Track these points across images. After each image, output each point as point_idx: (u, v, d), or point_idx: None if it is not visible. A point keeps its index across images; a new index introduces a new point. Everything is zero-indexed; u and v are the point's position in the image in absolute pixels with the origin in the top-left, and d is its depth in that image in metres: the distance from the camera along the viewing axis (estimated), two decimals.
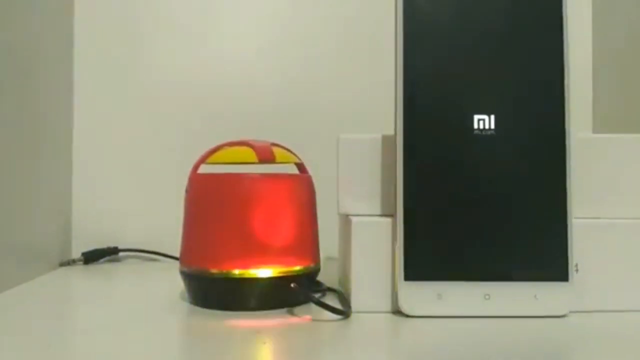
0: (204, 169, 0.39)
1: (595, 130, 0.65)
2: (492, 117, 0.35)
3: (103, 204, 0.61)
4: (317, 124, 0.62)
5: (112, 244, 0.59)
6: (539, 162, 0.36)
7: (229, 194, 0.36)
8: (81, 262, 0.56)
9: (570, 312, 0.35)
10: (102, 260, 0.58)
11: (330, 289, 0.41)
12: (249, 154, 0.38)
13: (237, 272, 0.36)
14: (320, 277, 0.42)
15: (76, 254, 0.58)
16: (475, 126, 0.35)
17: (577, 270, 0.36)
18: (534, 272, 0.35)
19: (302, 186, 0.38)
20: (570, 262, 0.35)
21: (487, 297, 0.35)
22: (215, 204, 0.37)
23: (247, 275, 0.36)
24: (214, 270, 0.36)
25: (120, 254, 0.59)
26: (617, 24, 0.63)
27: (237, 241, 0.36)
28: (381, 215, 0.37)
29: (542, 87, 0.36)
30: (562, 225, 0.35)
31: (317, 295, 0.40)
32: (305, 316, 0.35)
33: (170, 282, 0.44)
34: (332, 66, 0.64)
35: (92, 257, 0.57)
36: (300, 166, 0.42)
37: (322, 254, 0.48)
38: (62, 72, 0.59)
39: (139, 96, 0.62)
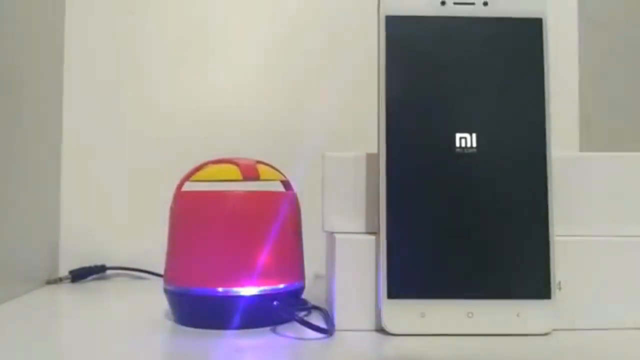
0: (191, 187, 0.39)
1: (582, 148, 0.65)
2: (474, 135, 0.36)
3: (91, 222, 0.61)
4: (306, 142, 0.62)
5: (100, 263, 0.59)
6: (520, 179, 0.36)
7: (213, 211, 0.36)
8: (68, 281, 0.56)
9: (554, 330, 0.35)
10: (89, 278, 0.58)
11: (315, 307, 0.41)
12: (233, 171, 0.38)
13: (220, 290, 0.36)
14: (308, 295, 0.42)
15: (64, 272, 0.58)
16: (457, 144, 0.36)
17: (560, 288, 0.36)
18: (517, 290, 0.35)
19: (286, 203, 0.38)
20: (553, 280, 0.35)
21: (469, 315, 0.35)
22: (199, 222, 0.37)
23: (230, 294, 0.36)
24: (197, 289, 0.36)
25: (108, 272, 0.59)
26: (603, 39, 0.64)
27: (220, 259, 0.36)
28: (366, 233, 0.37)
29: (524, 105, 0.36)
30: (544, 242, 0.35)
31: (302, 314, 0.40)
32: (288, 335, 0.35)
33: (156, 300, 0.44)
34: (319, 87, 0.64)
35: (79, 275, 0.57)
36: (286, 183, 0.42)
37: (313, 272, 0.48)
38: (51, 90, 0.60)
39: (127, 116, 0.62)
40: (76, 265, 0.58)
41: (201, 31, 0.64)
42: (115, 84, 0.63)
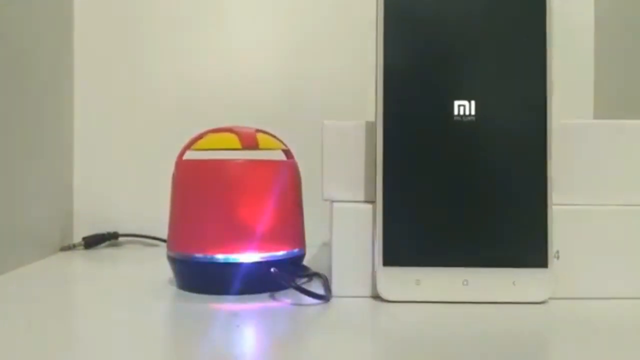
0: (200, 155, 0.39)
1: (596, 115, 0.64)
2: (473, 102, 0.35)
3: (104, 190, 0.62)
4: (316, 113, 0.62)
5: (114, 229, 0.61)
6: (519, 148, 0.35)
7: (212, 179, 0.37)
8: (82, 247, 0.58)
9: (551, 298, 0.35)
10: (102, 245, 0.59)
11: (317, 274, 0.41)
12: (233, 140, 0.38)
13: (220, 256, 0.36)
14: (314, 263, 0.43)
15: (78, 239, 0.59)
16: (456, 112, 0.35)
17: (558, 257, 0.36)
18: (513, 259, 0.35)
19: (285, 172, 0.39)
20: (550, 249, 0.35)
21: (465, 282, 0.35)
22: (199, 190, 0.37)
23: (230, 260, 0.36)
24: (198, 255, 0.37)
25: (121, 239, 0.60)
26: (620, 10, 0.62)
27: (220, 226, 0.37)
28: (365, 202, 0.38)
29: (524, 73, 0.36)
30: (542, 211, 0.35)
31: (303, 280, 0.41)
32: (286, 300, 0.36)
33: (164, 266, 0.45)
34: (323, 58, 0.64)
35: (92, 242, 0.58)
36: (287, 153, 0.42)
37: (321, 240, 0.48)
38: (62, 60, 0.60)
39: (137, 86, 0.63)
40: (90, 232, 0.60)
41: (207, 4, 0.64)
42: (126, 54, 0.63)
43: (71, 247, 0.57)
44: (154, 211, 0.60)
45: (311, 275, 0.41)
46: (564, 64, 0.64)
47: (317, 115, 0.60)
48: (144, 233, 0.61)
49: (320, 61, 0.64)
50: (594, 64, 0.64)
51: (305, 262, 0.43)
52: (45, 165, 0.55)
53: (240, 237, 0.37)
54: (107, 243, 0.60)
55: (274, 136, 0.41)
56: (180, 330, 0.31)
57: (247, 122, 0.43)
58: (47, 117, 0.55)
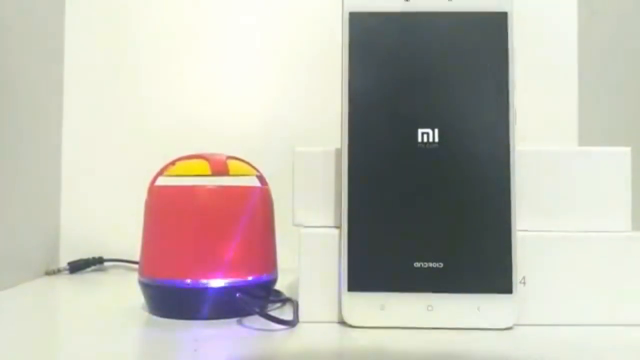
0: (177, 182, 0.40)
1: (581, 142, 0.64)
2: (436, 130, 0.36)
3: (91, 215, 0.63)
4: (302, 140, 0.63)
5: (100, 254, 0.61)
6: (483, 174, 0.36)
7: (181, 205, 0.38)
8: (67, 272, 0.58)
9: (516, 325, 0.35)
10: (87, 269, 0.60)
11: (289, 299, 0.42)
12: (203, 166, 0.39)
13: (188, 281, 0.37)
14: (291, 288, 0.43)
15: (65, 263, 0.60)
16: (419, 140, 0.36)
17: (524, 283, 0.36)
18: (478, 284, 0.35)
19: (254, 197, 0.39)
20: (514, 275, 0.35)
21: (430, 308, 0.35)
22: (168, 215, 0.38)
23: (197, 286, 0.37)
24: (166, 280, 0.37)
25: (106, 263, 0.61)
26: (603, 35, 0.62)
27: (187, 252, 0.37)
28: (333, 227, 0.38)
29: (487, 100, 0.36)
30: (507, 237, 0.35)
31: (275, 306, 0.41)
32: (252, 326, 0.36)
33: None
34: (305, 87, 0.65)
35: (77, 266, 0.59)
36: (261, 178, 0.43)
37: None
38: (52, 82, 0.62)
39: (127, 111, 0.64)
40: (77, 257, 0.60)
41: (197, 32, 0.65)
42: (114, 81, 0.64)
43: (56, 272, 0.58)
44: (139, 236, 0.61)
45: (283, 300, 0.42)
46: (548, 94, 0.65)
47: (304, 142, 0.61)
48: (129, 258, 0.61)
49: (299, 90, 0.64)
50: (578, 94, 0.65)
51: (283, 287, 0.43)
52: (32, 189, 0.55)
53: (208, 262, 0.37)
54: (92, 268, 0.60)
55: (247, 163, 0.42)
56: (137, 357, 0.31)
57: (231, 150, 0.44)
58: (35, 141, 0.56)
